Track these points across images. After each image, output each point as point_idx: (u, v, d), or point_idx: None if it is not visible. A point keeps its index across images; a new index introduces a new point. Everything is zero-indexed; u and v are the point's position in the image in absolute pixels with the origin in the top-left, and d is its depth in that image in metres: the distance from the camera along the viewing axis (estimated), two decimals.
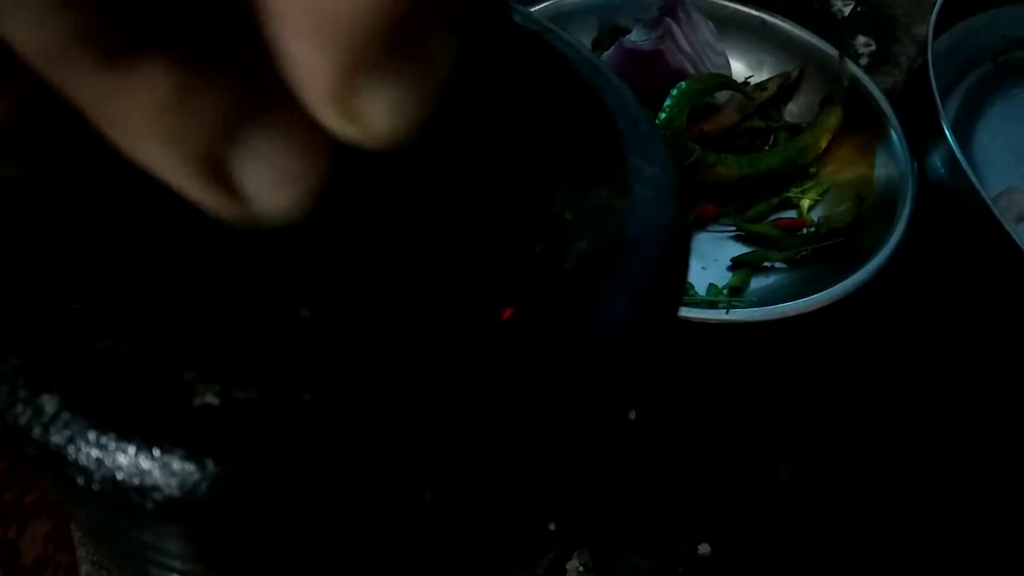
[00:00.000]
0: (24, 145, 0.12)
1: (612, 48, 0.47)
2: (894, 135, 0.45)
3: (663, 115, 0.44)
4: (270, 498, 0.14)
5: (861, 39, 0.59)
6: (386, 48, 0.09)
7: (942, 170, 0.44)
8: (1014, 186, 0.47)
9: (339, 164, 0.11)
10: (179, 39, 0.10)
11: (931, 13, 0.51)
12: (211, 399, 0.15)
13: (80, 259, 0.17)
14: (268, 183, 0.11)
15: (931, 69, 0.45)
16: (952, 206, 0.43)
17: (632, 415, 0.38)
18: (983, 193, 0.40)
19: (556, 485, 0.20)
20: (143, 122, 0.10)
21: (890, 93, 0.49)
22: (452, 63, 0.10)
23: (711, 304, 0.39)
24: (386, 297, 0.17)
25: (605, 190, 0.20)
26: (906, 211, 0.42)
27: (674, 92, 0.44)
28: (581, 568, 0.33)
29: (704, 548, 0.34)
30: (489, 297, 0.18)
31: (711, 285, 0.42)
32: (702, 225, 0.45)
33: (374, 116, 0.10)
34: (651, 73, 0.46)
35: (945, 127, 0.43)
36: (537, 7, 0.51)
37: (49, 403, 0.15)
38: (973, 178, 0.40)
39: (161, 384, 0.15)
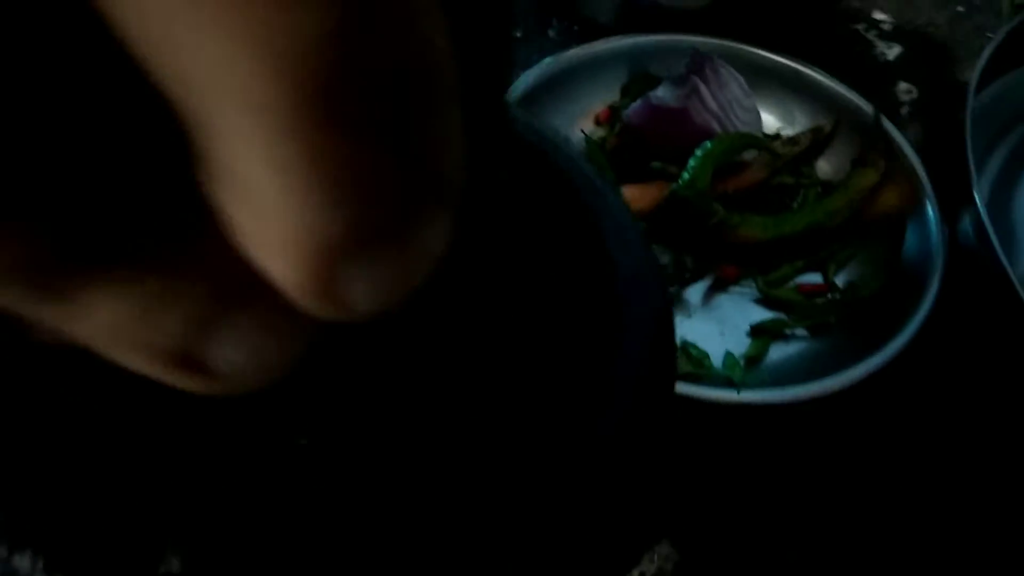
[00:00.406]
0: None
1: (639, 101, 0.47)
2: (927, 202, 0.44)
3: (686, 175, 0.43)
4: None
5: (903, 85, 0.57)
6: (365, 246, 0.09)
7: (973, 239, 0.42)
8: None
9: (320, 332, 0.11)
10: (130, 258, 0.09)
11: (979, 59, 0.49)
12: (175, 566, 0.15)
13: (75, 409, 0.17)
14: (242, 366, 0.10)
15: (968, 129, 0.43)
16: (982, 279, 0.42)
17: None
18: (1008, 267, 0.38)
19: None
20: (105, 339, 0.10)
21: (929, 149, 0.47)
22: (444, 239, 0.10)
23: (725, 380, 0.38)
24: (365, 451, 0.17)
25: (583, 337, 0.20)
26: (935, 285, 0.41)
27: (698, 152, 0.43)
28: None
29: None
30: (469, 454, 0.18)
31: (728, 354, 0.41)
32: (722, 287, 0.45)
33: (357, 302, 0.09)
34: (677, 129, 0.45)
35: (976, 196, 0.41)
36: (569, 52, 0.51)
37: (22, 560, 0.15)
38: (998, 248, 0.39)
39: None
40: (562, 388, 0.19)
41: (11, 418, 0.17)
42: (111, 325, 0.09)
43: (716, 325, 0.43)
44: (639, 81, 0.51)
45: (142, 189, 0.09)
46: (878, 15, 0.61)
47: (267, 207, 0.08)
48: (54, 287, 0.09)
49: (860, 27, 0.60)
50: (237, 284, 0.10)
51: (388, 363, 0.19)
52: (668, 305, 0.21)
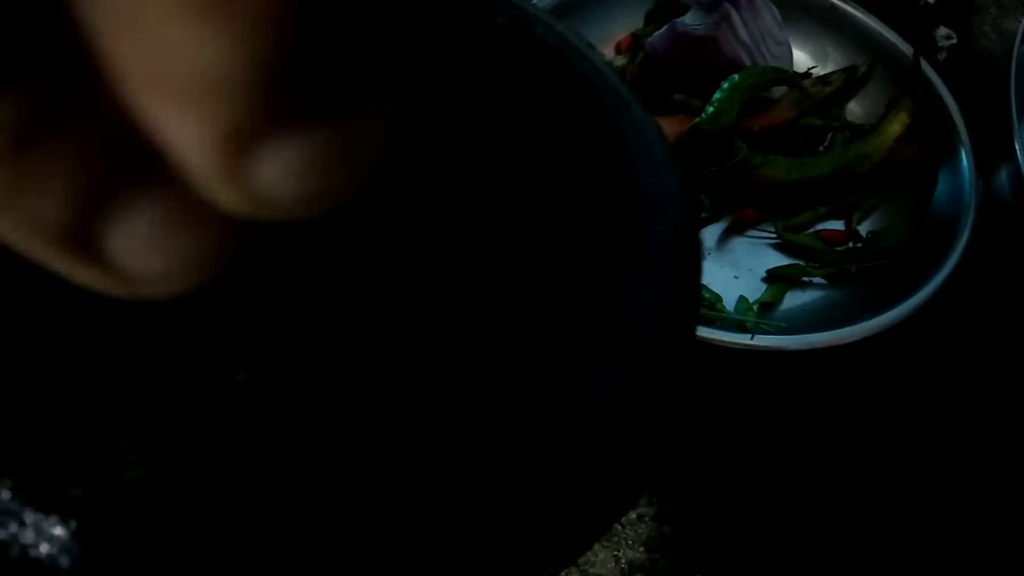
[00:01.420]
0: None
1: (664, 28, 0.44)
2: (963, 151, 0.42)
3: (711, 108, 0.41)
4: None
5: (943, 30, 0.54)
6: (276, 107, 0.07)
7: (1008, 192, 0.40)
8: None
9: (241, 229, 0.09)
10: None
11: None
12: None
13: (24, 307, 0.15)
14: (150, 257, 0.09)
15: (1012, 81, 0.41)
16: (1015, 231, 0.40)
17: None
18: None
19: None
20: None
21: (966, 98, 0.45)
22: (380, 115, 0.08)
23: (737, 324, 0.37)
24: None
25: (606, 251, 0.18)
26: (964, 238, 0.39)
27: (725, 85, 0.41)
28: None
29: None
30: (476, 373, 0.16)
31: (741, 298, 0.39)
32: (740, 230, 0.43)
33: (270, 190, 0.08)
34: (703, 60, 0.43)
35: (1017, 145, 0.39)
36: None
37: None
38: None
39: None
40: (570, 322, 0.17)
41: None
42: None
43: (731, 269, 0.41)
44: (666, 7, 0.48)
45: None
46: None
47: (155, 34, 0.07)
48: None
49: None
50: (136, 160, 0.08)
51: (361, 278, 0.17)
52: (694, 231, 0.19)
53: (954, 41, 0.53)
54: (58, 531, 0.13)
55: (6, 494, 0.14)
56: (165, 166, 0.08)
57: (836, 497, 0.36)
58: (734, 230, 0.43)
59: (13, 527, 0.13)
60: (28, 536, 0.13)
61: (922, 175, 0.43)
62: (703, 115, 0.41)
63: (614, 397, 0.17)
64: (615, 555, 0.33)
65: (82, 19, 0.07)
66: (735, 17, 0.42)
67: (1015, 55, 0.44)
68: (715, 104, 0.41)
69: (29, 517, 0.13)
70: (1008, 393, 0.39)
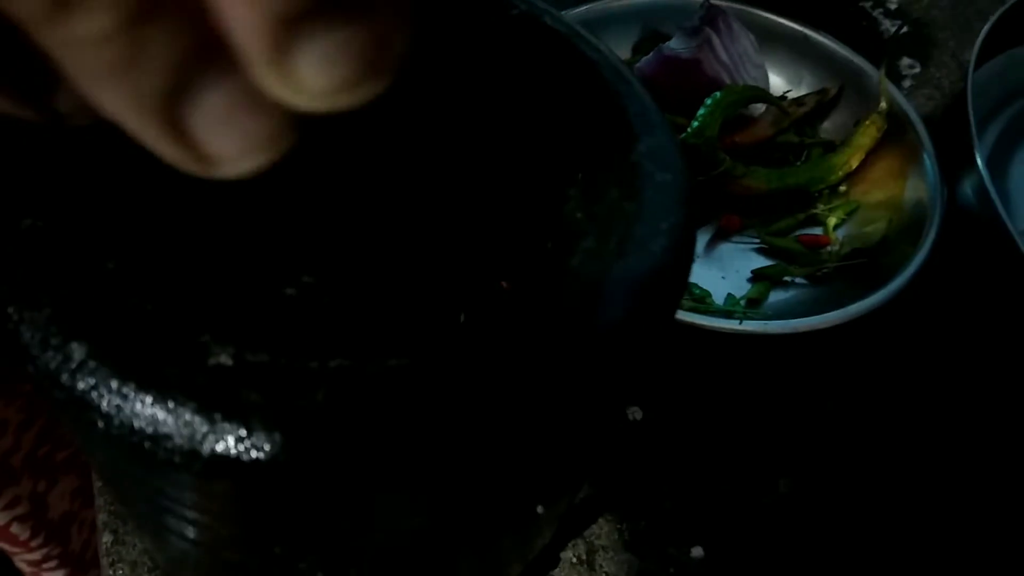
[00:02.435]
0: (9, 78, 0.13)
1: (651, 54, 0.48)
2: (927, 160, 0.45)
3: (696, 123, 0.44)
4: (277, 457, 0.15)
5: (906, 60, 0.59)
6: (317, 8, 0.09)
7: (972, 199, 0.44)
8: None
9: (307, 126, 0.11)
10: None
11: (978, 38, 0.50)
12: (225, 360, 0.16)
13: (114, 224, 0.18)
14: (225, 138, 0.11)
15: (970, 97, 0.45)
16: (979, 236, 0.43)
17: (639, 415, 0.39)
18: (1009, 224, 0.40)
19: (544, 469, 0.21)
20: (92, 61, 0.10)
21: (929, 117, 0.49)
22: (407, 12, 0.10)
23: (726, 313, 0.39)
24: (382, 271, 0.18)
25: (616, 192, 0.21)
26: (931, 237, 0.42)
27: (708, 102, 0.44)
28: (574, 559, 0.34)
29: (697, 551, 0.35)
30: (492, 282, 0.19)
31: (729, 295, 0.42)
32: (725, 235, 0.46)
33: (313, 81, 0.10)
34: (688, 81, 0.46)
35: (978, 156, 0.42)
36: (583, 8, 0.52)
37: (77, 351, 0.16)
38: (1001, 209, 0.40)
39: (180, 342, 0.16)
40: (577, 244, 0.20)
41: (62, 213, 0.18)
42: (96, 40, 0.10)
43: (718, 270, 0.44)
44: (650, 39, 0.52)
45: None
46: None
47: None
48: None
49: (867, 4, 0.62)
50: (215, 48, 0.10)
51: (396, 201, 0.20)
52: (689, 178, 0.22)
53: (917, 70, 0.58)
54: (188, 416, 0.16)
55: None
56: (232, 54, 0.10)
57: (824, 471, 0.38)
58: (720, 236, 0.46)
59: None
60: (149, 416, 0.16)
61: (891, 184, 0.46)
62: (689, 130, 0.45)
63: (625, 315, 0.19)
64: (618, 527, 0.35)
65: None
66: (716, 41, 0.45)
67: (969, 80, 0.48)
68: (699, 119, 0.44)
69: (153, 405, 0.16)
70: (969, 373, 0.42)
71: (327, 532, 0.18)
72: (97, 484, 0.34)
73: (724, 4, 0.50)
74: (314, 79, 0.10)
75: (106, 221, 0.18)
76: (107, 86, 0.10)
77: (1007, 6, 0.53)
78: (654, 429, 0.38)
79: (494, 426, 0.17)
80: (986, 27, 0.51)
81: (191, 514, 0.19)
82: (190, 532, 0.20)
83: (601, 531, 0.35)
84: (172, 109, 0.10)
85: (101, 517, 0.32)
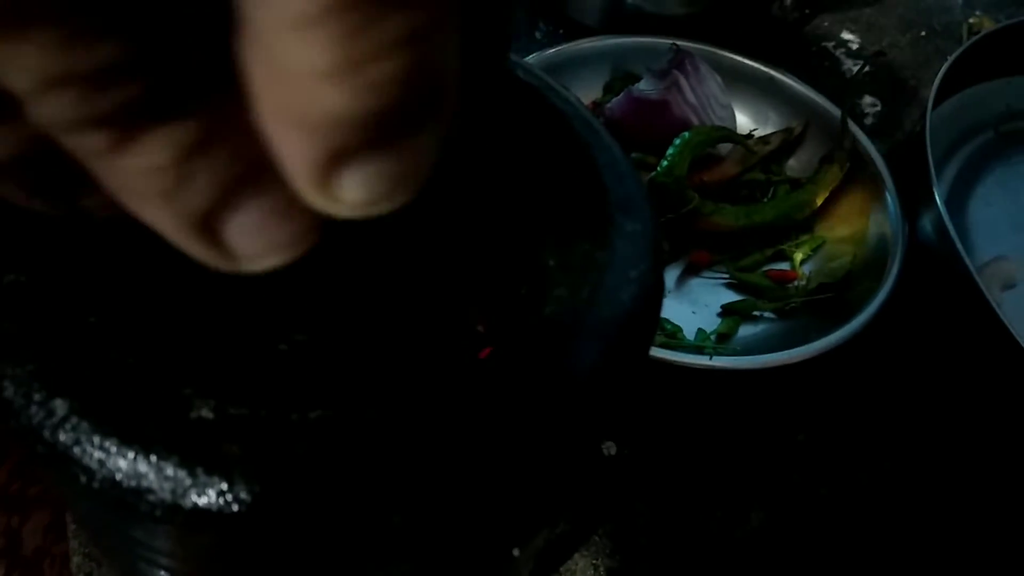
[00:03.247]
0: (32, 177, 0.14)
1: (621, 95, 0.49)
2: (889, 197, 0.47)
3: (665, 163, 0.45)
4: (257, 509, 0.16)
5: (868, 99, 0.60)
6: (364, 141, 0.10)
7: (932, 235, 0.45)
8: (1003, 255, 0.49)
9: (324, 225, 0.12)
10: (180, 114, 0.10)
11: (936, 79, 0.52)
12: (206, 413, 0.17)
13: (96, 279, 0.18)
14: (254, 243, 0.12)
15: (928, 138, 0.46)
16: (938, 270, 0.44)
17: (613, 451, 0.39)
18: (967, 260, 0.41)
19: (520, 512, 0.21)
20: (142, 185, 0.11)
21: (890, 155, 0.50)
22: (436, 147, 0.11)
23: (697, 349, 0.40)
24: (368, 329, 0.19)
25: (588, 243, 0.22)
26: (894, 272, 0.43)
27: (677, 141, 0.46)
28: None
29: None
30: (470, 331, 0.19)
31: (699, 330, 0.43)
32: (695, 271, 0.47)
33: (352, 199, 0.11)
34: (657, 121, 0.48)
35: (936, 195, 0.44)
36: (555, 49, 0.53)
37: (60, 407, 0.16)
38: (959, 246, 0.42)
39: (162, 396, 0.17)
40: (555, 291, 0.21)
41: (55, 277, 0.18)
42: (150, 173, 0.11)
43: (688, 305, 0.45)
44: (621, 79, 0.53)
45: (196, 49, 0.10)
46: (846, 35, 0.65)
47: (292, 80, 0.09)
48: (123, 129, 0.10)
49: (829, 45, 0.64)
50: (260, 165, 0.11)
51: (384, 265, 0.20)
52: (656, 227, 0.23)
53: (878, 108, 0.60)
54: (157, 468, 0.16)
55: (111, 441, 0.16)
56: (274, 172, 0.11)
57: (796, 503, 0.39)
58: (690, 271, 0.47)
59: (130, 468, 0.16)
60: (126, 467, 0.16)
61: (855, 220, 0.48)
62: (658, 169, 0.46)
63: (597, 362, 0.20)
64: (593, 563, 0.35)
65: (240, 53, 0.10)
66: (683, 82, 0.47)
67: (928, 120, 0.49)
68: (668, 158, 0.46)
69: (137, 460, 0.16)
70: (932, 403, 0.43)
71: None
72: (72, 526, 0.33)
73: (692, 47, 0.52)
74: (354, 197, 0.11)
75: (88, 276, 0.19)
76: (150, 205, 0.11)
77: (964, 47, 0.55)
78: (628, 464, 0.39)
79: (471, 472, 0.17)
80: (944, 67, 0.53)
81: (170, 563, 0.19)
82: None
83: (577, 566, 0.35)
84: (210, 222, 0.11)
85: (75, 560, 0.32)
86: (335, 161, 0.10)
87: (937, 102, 0.52)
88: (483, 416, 0.18)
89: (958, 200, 0.54)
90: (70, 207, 0.14)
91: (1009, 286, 0.48)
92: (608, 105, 0.50)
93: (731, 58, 0.53)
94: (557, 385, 0.19)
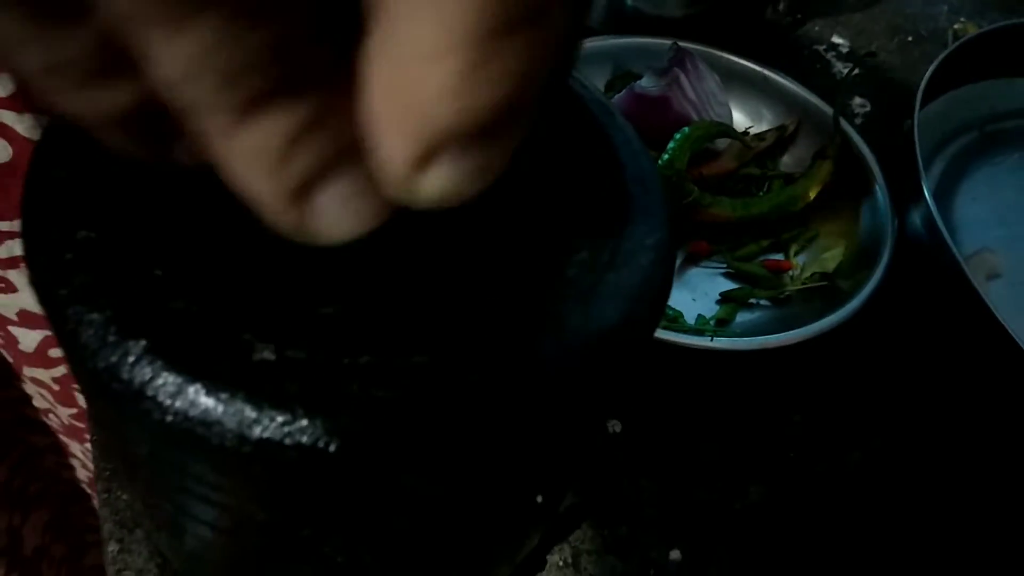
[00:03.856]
0: (137, 128, 0.15)
1: (624, 91, 0.51)
2: (879, 192, 0.49)
3: (666, 156, 0.47)
4: (317, 440, 0.17)
5: (858, 99, 0.63)
6: (459, 145, 0.11)
7: (920, 228, 0.47)
8: (988, 247, 0.51)
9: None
10: (299, 98, 0.11)
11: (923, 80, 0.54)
12: (268, 355, 0.18)
13: (160, 236, 0.20)
14: (339, 217, 0.13)
15: (916, 134, 0.49)
16: (927, 261, 0.46)
17: (618, 428, 0.41)
18: (955, 251, 0.43)
19: (548, 455, 0.23)
20: (249, 158, 0.11)
21: (880, 152, 0.53)
22: (512, 150, 0.12)
23: (698, 332, 0.42)
24: (408, 292, 0.21)
25: (608, 213, 0.23)
26: (884, 262, 0.45)
27: (677, 136, 0.48)
28: (561, 563, 0.36)
29: (675, 554, 0.37)
30: (497, 292, 0.21)
31: (699, 316, 0.45)
32: (695, 261, 0.49)
33: (430, 193, 0.12)
34: (658, 117, 0.50)
35: (925, 189, 0.46)
36: None
37: (134, 348, 0.18)
38: (947, 237, 0.44)
39: (226, 340, 0.18)
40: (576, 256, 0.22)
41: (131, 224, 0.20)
42: (262, 148, 0.11)
43: (689, 293, 0.47)
44: (622, 78, 0.55)
45: (324, 39, 0.11)
46: (836, 39, 0.67)
47: (410, 89, 0.10)
48: (248, 103, 0.11)
49: (821, 48, 0.66)
50: (350, 148, 0.12)
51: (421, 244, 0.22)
52: (668, 200, 0.24)
53: (868, 108, 0.62)
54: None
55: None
56: (363, 153, 0.12)
57: (790, 478, 0.41)
58: (690, 261, 0.49)
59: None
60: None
61: (847, 213, 0.50)
62: (660, 162, 0.48)
63: (617, 320, 0.22)
64: (601, 533, 0.37)
65: (364, 52, 0.11)
66: (683, 80, 0.49)
67: (916, 117, 0.52)
68: (669, 152, 0.47)
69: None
70: (921, 385, 0.45)
71: (354, 514, 0.20)
72: (103, 495, 0.35)
73: (691, 47, 0.54)
74: (435, 190, 0.12)
75: (153, 233, 0.20)
76: (251, 175, 0.12)
77: (949, 51, 0.57)
78: (633, 441, 0.41)
79: (504, 412, 0.19)
80: (930, 70, 0.55)
81: (227, 500, 0.20)
82: (221, 520, 0.22)
83: (585, 536, 0.37)
84: (302, 195, 0.12)
85: (106, 527, 0.34)
86: (427, 159, 0.11)
87: (924, 103, 0.54)
88: (511, 364, 0.19)
89: (945, 196, 0.56)
90: (162, 156, 0.16)
91: (994, 276, 0.50)
92: (611, 101, 0.52)
93: (727, 58, 0.55)
94: (581, 339, 0.20)
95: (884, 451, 0.43)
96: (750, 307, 0.47)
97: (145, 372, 0.18)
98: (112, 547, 0.33)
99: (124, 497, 0.35)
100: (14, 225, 0.50)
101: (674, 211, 0.25)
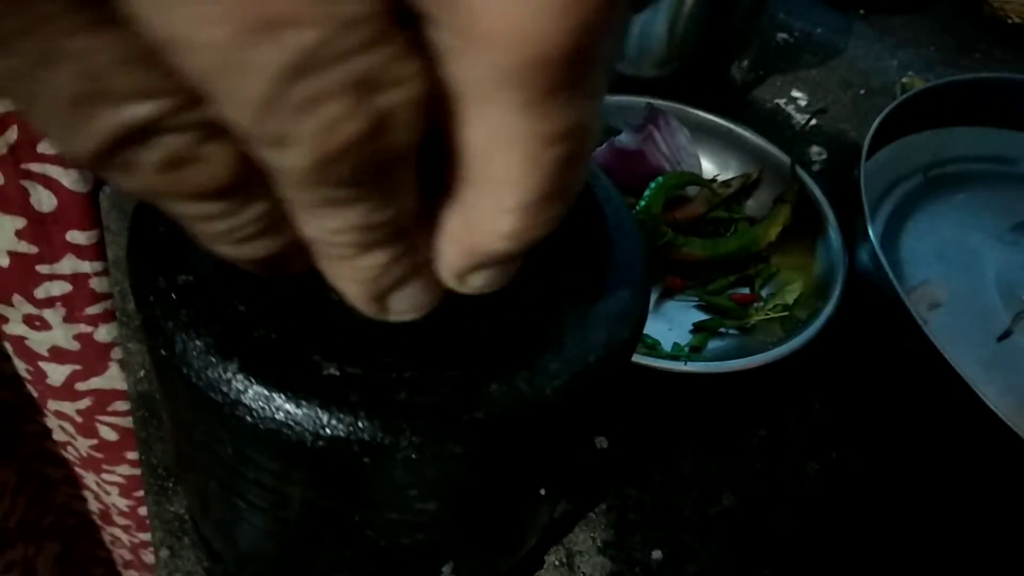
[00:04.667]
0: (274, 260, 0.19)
1: (604, 145, 0.57)
2: (832, 233, 0.55)
3: (643, 203, 0.53)
4: (375, 437, 0.23)
5: (815, 148, 0.69)
6: (500, 263, 0.14)
7: (868, 264, 0.53)
8: (929, 280, 0.57)
9: None
10: (401, 237, 0.14)
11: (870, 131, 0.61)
12: (333, 371, 0.23)
13: (240, 278, 0.25)
14: (406, 307, 0.16)
15: (863, 182, 0.55)
16: (874, 293, 0.52)
17: (605, 444, 0.46)
18: (897, 285, 0.49)
19: (555, 448, 0.28)
20: (353, 278, 0.15)
21: (834, 196, 0.59)
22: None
23: (673, 357, 0.47)
24: (437, 331, 0.26)
25: (593, 255, 0.29)
26: (836, 294, 0.51)
27: (652, 185, 0.54)
28: (557, 563, 0.41)
29: (657, 554, 0.42)
30: (507, 327, 0.26)
31: (675, 343, 0.50)
32: (670, 295, 0.54)
33: (473, 288, 0.16)
34: (635, 168, 0.56)
35: (870, 231, 0.52)
36: None
37: (231, 367, 0.23)
38: (890, 273, 0.50)
39: (300, 359, 0.24)
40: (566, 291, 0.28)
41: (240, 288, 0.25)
42: (366, 276, 0.15)
43: (665, 323, 0.53)
44: (603, 133, 0.61)
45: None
46: (795, 93, 0.74)
47: (475, 231, 0.13)
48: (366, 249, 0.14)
49: (781, 102, 0.73)
50: (426, 262, 0.15)
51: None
52: (644, 242, 0.30)
53: (824, 157, 0.69)
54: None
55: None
56: (430, 260, 0.15)
57: (759, 487, 0.46)
58: (666, 295, 0.54)
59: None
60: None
61: (804, 251, 0.56)
62: (637, 208, 0.54)
63: (609, 347, 0.27)
64: (592, 536, 0.42)
65: (440, 202, 0.14)
66: (657, 135, 0.55)
67: (863, 164, 0.58)
68: (646, 199, 0.53)
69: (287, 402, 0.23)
70: (871, 404, 0.51)
71: (399, 498, 0.25)
72: (152, 508, 0.39)
73: (664, 103, 0.60)
74: (478, 287, 0.15)
75: (234, 276, 0.25)
76: (350, 284, 0.15)
77: (894, 104, 0.64)
78: (618, 455, 0.46)
79: (520, 413, 0.24)
80: (875, 123, 0.62)
81: (294, 490, 0.25)
82: (285, 509, 0.26)
83: (577, 539, 0.42)
84: (383, 297, 0.15)
85: (157, 535, 0.38)
86: (475, 268, 0.14)
87: (872, 151, 0.61)
88: (525, 376, 0.24)
89: (892, 234, 0.62)
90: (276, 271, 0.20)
91: (935, 306, 0.56)
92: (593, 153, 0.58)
93: (696, 114, 0.61)
94: (575, 358, 0.26)
95: (839, 462, 0.48)
96: (720, 335, 0.52)
97: (240, 385, 0.23)
98: (164, 552, 0.38)
99: (172, 509, 0.39)
100: (54, 268, 0.54)
101: (650, 252, 0.30)
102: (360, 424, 0.23)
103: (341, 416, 0.23)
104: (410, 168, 0.12)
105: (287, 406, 0.23)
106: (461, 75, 0.11)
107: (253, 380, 0.23)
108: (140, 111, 0.10)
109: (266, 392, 0.23)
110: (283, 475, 0.25)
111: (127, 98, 0.10)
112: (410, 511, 0.26)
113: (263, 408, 0.23)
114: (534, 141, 0.11)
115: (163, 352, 0.24)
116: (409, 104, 0.11)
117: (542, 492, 0.30)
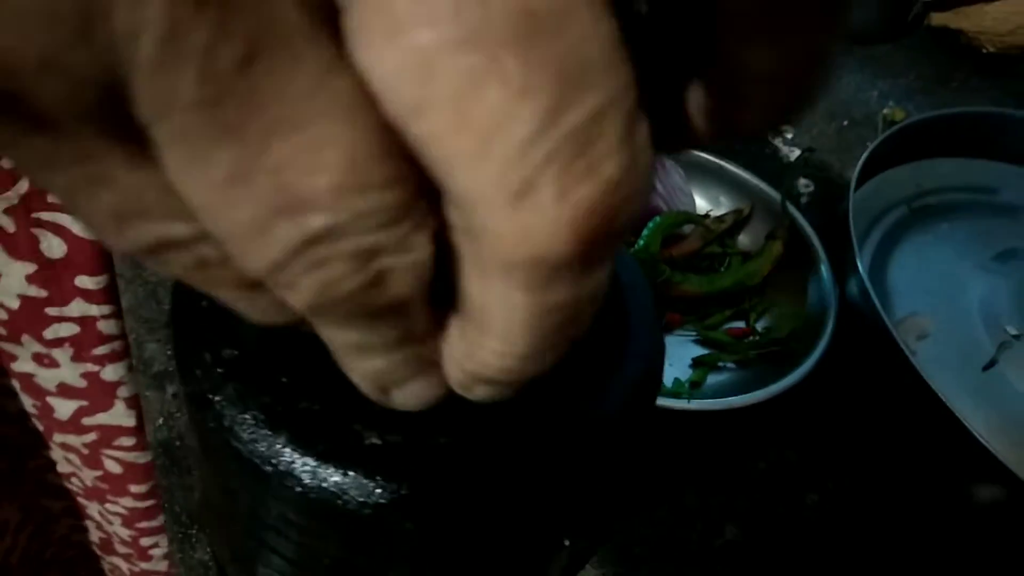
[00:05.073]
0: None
1: None
2: (822, 266, 0.57)
3: (641, 242, 0.55)
4: (417, 502, 0.24)
5: (803, 181, 0.72)
6: (497, 383, 0.14)
7: (857, 296, 0.55)
8: (917, 311, 0.59)
9: None
10: (408, 343, 0.14)
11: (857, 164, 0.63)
12: (375, 440, 0.25)
13: (282, 351, 0.27)
14: (411, 402, 0.17)
15: (851, 217, 0.57)
16: (864, 325, 0.55)
17: None
18: (885, 317, 0.51)
19: (575, 508, 0.30)
20: (363, 373, 0.15)
21: (822, 230, 0.61)
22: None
23: (675, 394, 0.49)
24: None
25: (610, 314, 0.31)
26: (829, 328, 0.53)
27: (650, 225, 0.56)
28: None
29: None
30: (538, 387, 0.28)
31: (676, 379, 0.52)
32: (669, 330, 0.56)
33: (478, 398, 0.16)
34: None
35: (859, 264, 0.54)
36: None
37: (279, 439, 0.25)
38: (879, 306, 0.52)
39: (343, 429, 0.25)
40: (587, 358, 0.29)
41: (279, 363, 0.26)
42: (370, 371, 0.15)
43: (665, 359, 0.54)
44: None
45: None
46: (783, 127, 0.77)
47: (478, 354, 0.13)
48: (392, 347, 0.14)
49: (769, 136, 0.75)
50: (432, 361, 0.15)
51: None
52: (653, 297, 0.32)
53: (812, 189, 0.71)
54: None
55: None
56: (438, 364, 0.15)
57: (763, 520, 0.48)
58: (665, 330, 0.56)
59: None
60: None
61: (797, 285, 0.58)
62: (636, 246, 0.55)
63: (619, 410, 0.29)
64: (602, 571, 0.44)
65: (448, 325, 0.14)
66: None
67: (851, 200, 0.60)
68: (644, 238, 0.55)
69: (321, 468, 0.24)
70: (864, 431, 0.53)
71: (434, 555, 0.27)
72: (177, 556, 0.41)
73: None
74: (483, 397, 0.16)
75: (276, 349, 0.27)
76: (360, 380, 0.16)
77: (879, 139, 0.66)
78: (624, 491, 0.47)
79: (551, 475, 0.26)
80: (863, 156, 0.64)
81: (338, 552, 0.27)
82: (320, 566, 0.28)
83: (588, 574, 0.44)
84: (387, 390, 0.16)
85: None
86: (479, 384, 0.15)
87: (859, 184, 0.63)
88: (559, 438, 0.26)
89: (879, 266, 0.65)
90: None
91: (923, 336, 0.58)
92: None
93: (689, 152, 0.64)
94: (602, 414, 0.27)
95: (836, 492, 0.50)
96: (719, 369, 0.54)
97: (289, 457, 0.24)
98: None
99: (196, 556, 0.41)
100: (63, 311, 0.55)
101: (655, 305, 0.32)
102: (403, 492, 0.24)
103: (386, 485, 0.24)
104: (417, 303, 0.13)
105: (335, 477, 0.24)
106: (466, 251, 0.11)
107: (302, 452, 0.24)
108: (175, 231, 0.11)
109: (314, 463, 0.24)
110: (322, 535, 0.26)
111: (163, 219, 0.11)
112: (442, 566, 0.28)
113: (311, 478, 0.24)
114: (536, 310, 0.11)
115: (211, 425, 0.26)
116: (413, 267, 0.11)
117: (566, 543, 0.32)
